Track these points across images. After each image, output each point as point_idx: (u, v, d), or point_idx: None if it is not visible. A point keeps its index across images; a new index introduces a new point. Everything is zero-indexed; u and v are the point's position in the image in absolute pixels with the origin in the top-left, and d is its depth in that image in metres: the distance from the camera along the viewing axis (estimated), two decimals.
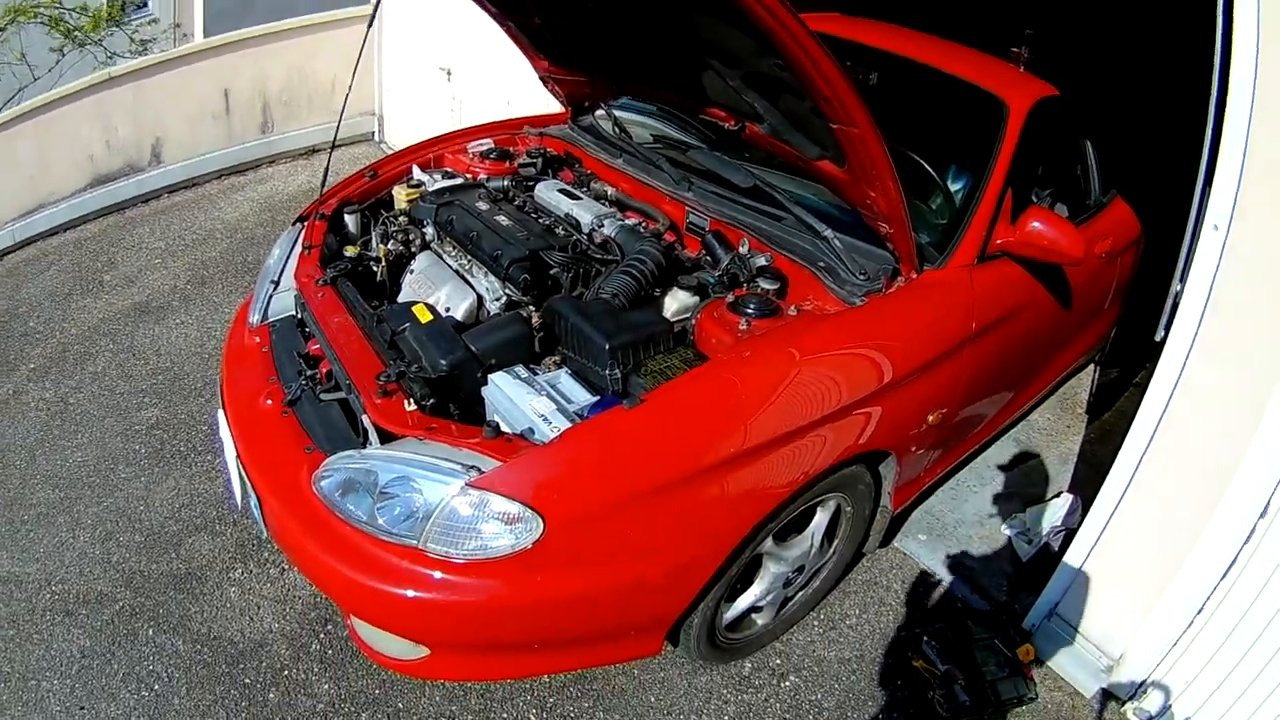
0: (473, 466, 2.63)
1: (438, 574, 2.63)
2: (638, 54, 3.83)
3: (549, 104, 5.20)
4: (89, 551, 3.95)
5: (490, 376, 3.08)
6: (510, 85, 6.97)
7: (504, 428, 2.86)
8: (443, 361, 3.01)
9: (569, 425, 2.80)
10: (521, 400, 2.94)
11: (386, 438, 2.96)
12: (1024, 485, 4.99)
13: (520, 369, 3.14)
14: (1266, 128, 2.66)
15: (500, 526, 2.59)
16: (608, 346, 3.04)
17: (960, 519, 4.67)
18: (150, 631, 3.60)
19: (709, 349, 3.23)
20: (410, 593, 2.63)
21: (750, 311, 3.20)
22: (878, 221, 3.26)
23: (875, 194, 3.08)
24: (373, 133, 8.77)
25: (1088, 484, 4.74)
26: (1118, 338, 5.76)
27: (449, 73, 7.64)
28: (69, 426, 4.73)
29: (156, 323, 5.64)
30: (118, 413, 4.83)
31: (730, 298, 3.33)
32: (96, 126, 6.88)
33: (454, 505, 2.60)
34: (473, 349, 3.11)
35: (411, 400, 2.89)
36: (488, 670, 3.08)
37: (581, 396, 3.03)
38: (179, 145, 7.44)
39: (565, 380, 3.13)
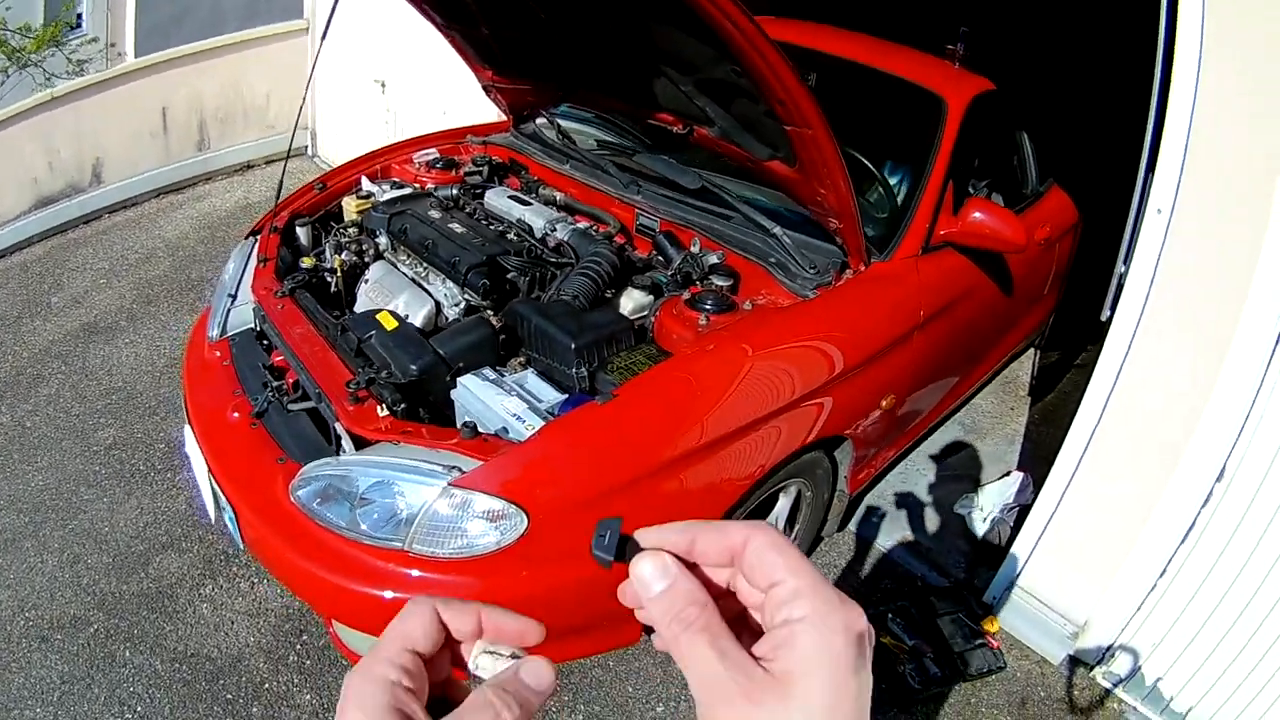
0: (454, 467, 2.68)
1: (424, 574, 2.67)
2: (586, 62, 3.88)
3: (486, 113, 5.22)
4: (59, 575, 3.92)
5: (459, 379, 3.13)
6: (446, 95, 6.99)
7: (479, 429, 2.90)
8: (413, 366, 3.05)
9: (543, 423, 2.86)
10: (493, 401, 2.99)
11: (360, 444, 2.98)
12: (972, 466, 5.10)
13: (488, 371, 3.19)
14: (1211, 115, 2.76)
15: (485, 524, 2.63)
16: (573, 346, 3.11)
17: (913, 501, 4.77)
18: (128, 653, 3.59)
19: (671, 344, 3.28)
20: (396, 594, 2.66)
21: (708, 307, 3.26)
22: (827, 217, 3.34)
23: (825, 191, 3.16)
24: (306, 146, 8.71)
25: (1035, 463, 4.87)
26: (1057, 321, 5.90)
27: (383, 85, 7.64)
28: (27, 450, 4.69)
29: (106, 343, 5.60)
30: (75, 434, 4.80)
31: (687, 295, 3.39)
32: (39, 148, 6.81)
33: (437, 506, 2.64)
34: (440, 353, 3.16)
35: (383, 406, 2.93)
36: None
37: (551, 395, 3.08)
38: (119, 164, 7.37)
39: (533, 380, 3.18)
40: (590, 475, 2.76)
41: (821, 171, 3.06)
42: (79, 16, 6.93)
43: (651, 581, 0.71)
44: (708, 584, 0.72)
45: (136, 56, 7.18)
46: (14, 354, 5.48)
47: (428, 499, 2.65)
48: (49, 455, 4.64)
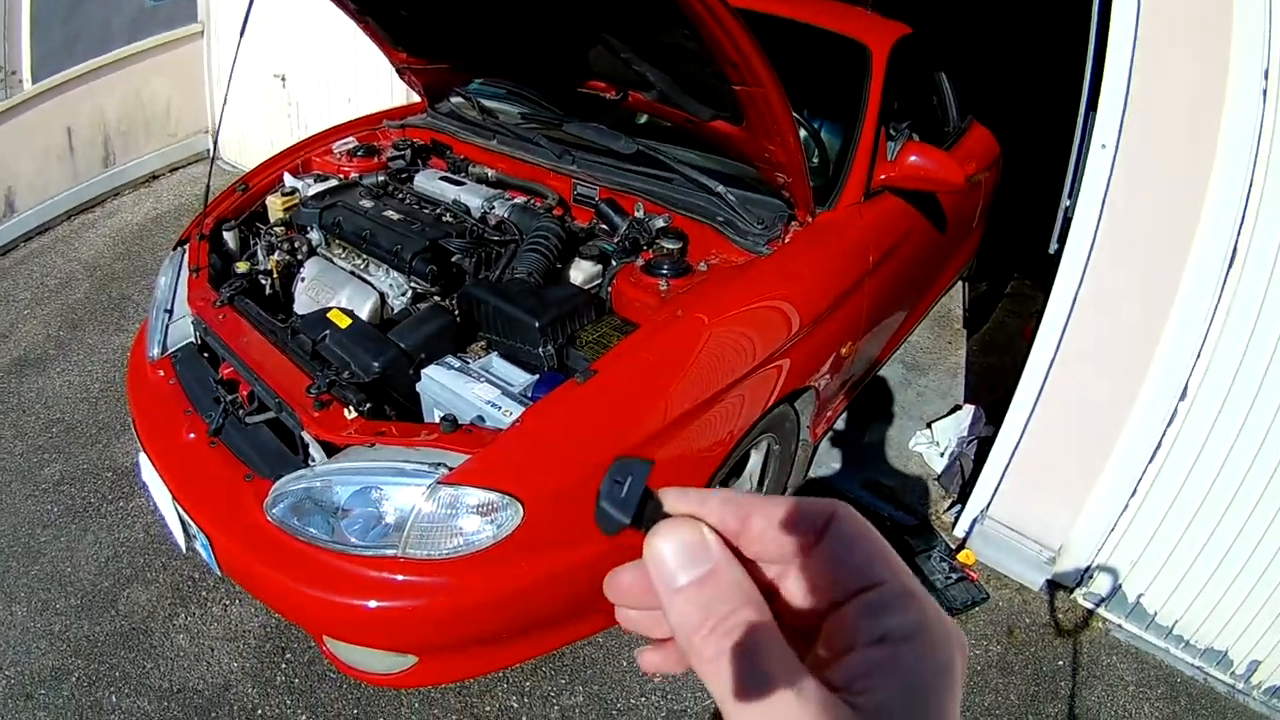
0: (439, 464, 2.60)
1: (423, 579, 2.59)
2: (512, 35, 3.77)
3: (393, 97, 5.14)
4: (30, 625, 3.77)
5: (424, 371, 3.03)
6: (349, 83, 6.90)
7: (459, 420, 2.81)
8: (375, 364, 2.95)
9: (520, 407, 2.78)
10: (463, 389, 2.89)
11: (330, 450, 2.89)
12: (920, 403, 5.17)
13: (451, 359, 3.09)
14: (1154, 50, 2.86)
15: (480, 519, 2.56)
16: (537, 325, 3.04)
17: (869, 443, 4.83)
18: (114, 698, 3.46)
19: (634, 313, 3.24)
20: (396, 603, 2.58)
21: (665, 272, 3.23)
22: (774, 172, 3.31)
23: (774, 147, 3.13)
24: (207, 150, 8.51)
25: (981, 393, 4.99)
26: (982, 253, 6.00)
27: (283, 79, 7.49)
28: None
29: (39, 374, 5.43)
30: (21, 475, 4.63)
31: (640, 261, 3.35)
32: None
33: (427, 506, 2.56)
34: (401, 346, 3.06)
35: (350, 408, 2.83)
36: (477, 666, 3.03)
37: (520, 378, 3.00)
38: (30, 191, 7.17)
39: (498, 364, 3.09)
40: (580, 456, 2.69)
41: (771, 128, 3.02)
42: None
43: (679, 566, 0.53)
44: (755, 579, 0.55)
45: (35, 81, 7.01)
46: None
47: (415, 501, 2.57)
48: (0, 500, 4.49)
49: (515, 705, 3.37)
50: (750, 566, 0.55)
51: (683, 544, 0.53)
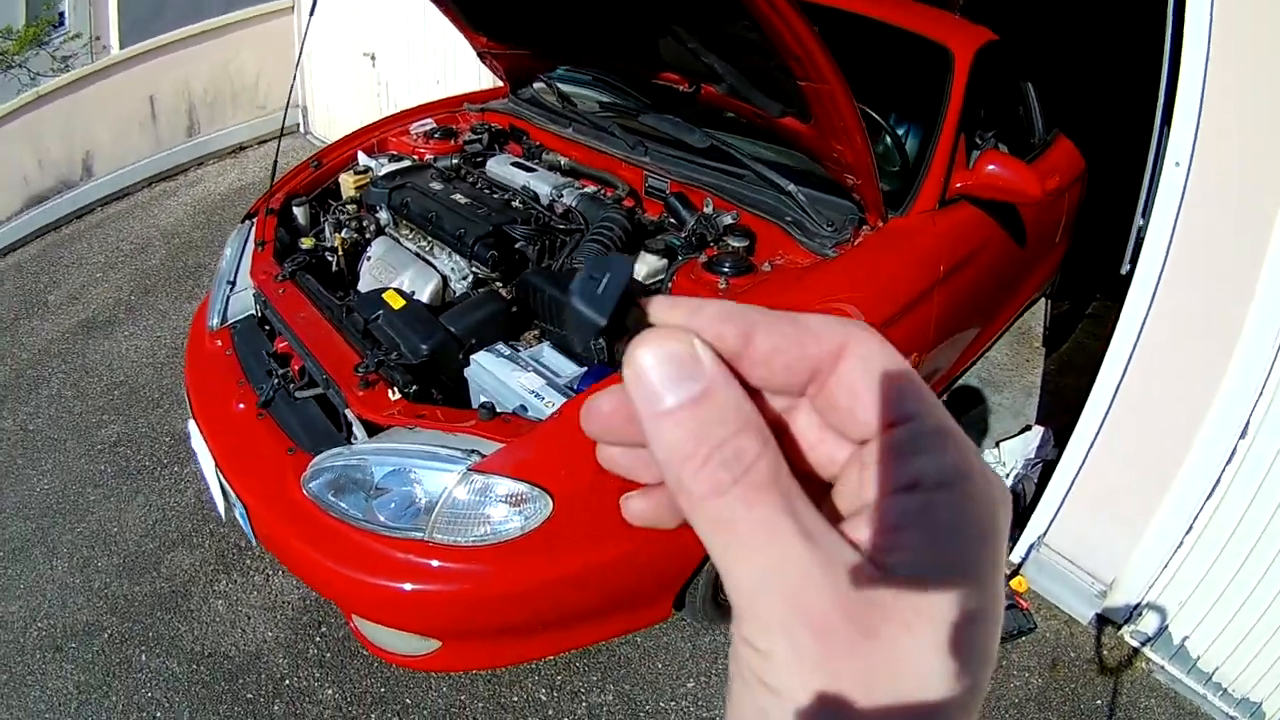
0: (473, 451, 2.58)
1: (447, 564, 2.58)
2: (588, 23, 3.75)
3: (480, 81, 5.13)
4: (69, 581, 3.82)
5: (472, 357, 3.01)
6: (438, 65, 6.91)
7: (497, 408, 2.79)
8: (423, 346, 2.93)
9: (563, 399, 2.75)
10: (509, 378, 2.87)
11: (372, 430, 2.89)
12: (992, 420, 5.05)
13: (501, 346, 3.07)
14: (1226, 67, 2.75)
15: (508, 509, 2.53)
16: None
17: None
18: (144, 657, 3.49)
19: None
20: (420, 586, 2.57)
21: (726, 270, 3.17)
22: (843, 173, 3.23)
23: (842, 146, 3.05)
24: (298, 124, 8.61)
25: (1053, 415, 4.86)
26: (1066, 271, 5.84)
27: (373, 58, 7.54)
28: (31, 454, 4.59)
29: (106, 337, 5.51)
30: (78, 434, 4.70)
31: (703, 258, 3.30)
32: (27, 147, 6.72)
33: (457, 493, 2.54)
34: (452, 330, 3.05)
35: (395, 389, 2.82)
36: (501, 656, 3.03)
37: (569, 369, 2.97)
38: (109, 157, 7.28)
39: (549, 353, 3.06)
40: None
41: (838, 127, 2.95)
42: (61, 14, 6.88)
43: (665, 383, 0.43)
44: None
45: (121, 49, 7.09)
46: (13, 356, 5.38)
47: (447, 485, 2.56)
48: (53, 457, 4.55)
49: (543, 698, 3.35)
50: (753, 397, 0.45)
51: (670, 356, 0.43)
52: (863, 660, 0.39)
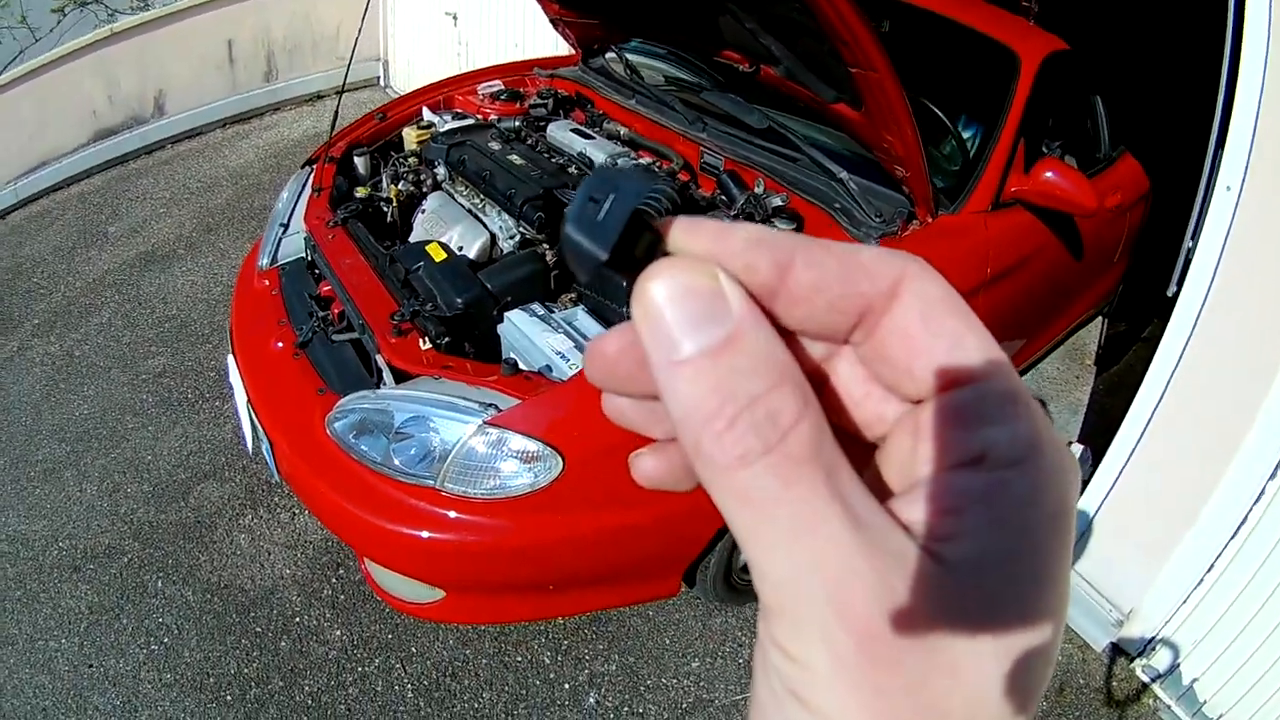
0: (490, 405, 2.60)
1: (455, 514, 2.61)
2: None
3: (558, 47, 5.14)
4: (96, 505, 3.88)
5: (506, 314, 3.03)
6: (518, 28, 6.93)
7: (521, 366, 2.82)
8: (458, 300, 2.96)
9: None
10: (538, 338, 2.88)
11: (401, 378, 2.92)
12: None
13: (536, 306, 3.08)
14: (1278, 92, 2.71)
15: (519, 465, 2.55)
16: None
17: None
18: (159, 583, 3.54)
19: None
20: (426, 533, 2.60)
21: None
22: (893, 165, 3.23)
23: (892, 137, 3.05)
24: (378, 78, 8.68)
25: (1097, 434, 4.73)
26: (1125, 291, 5.78)
27: (455, 17, 7.58)
28: (74, 380, 4.66)
29: (162, 271, 5.58)
30: (124, 363, 4.76)
31: None
32: (99, 82, 6.81)
33: (472, 444, 2.57)
34: (488, 287, 3.07)
35: (426, 339, 2.85)
36: (502, 612, 3.06)
37: (599, 332, 2.95)
38: (183, 96, 7.37)
39: (582, 317, 3.07)
40: None
41: (887, 117, 2.95)
42: None
43: (682, 326, 0.35)
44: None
45: None
46: (66, 284, 5.46)
47: (462, 436, 2.58)
48: (96, 384, 4.62)
49: (547, 660, 3.36)
50: (789, 342, 0.37)
51: (689, 291, 0.36)
52: (914, 676, 0.34)
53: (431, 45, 8.01)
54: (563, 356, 2.78)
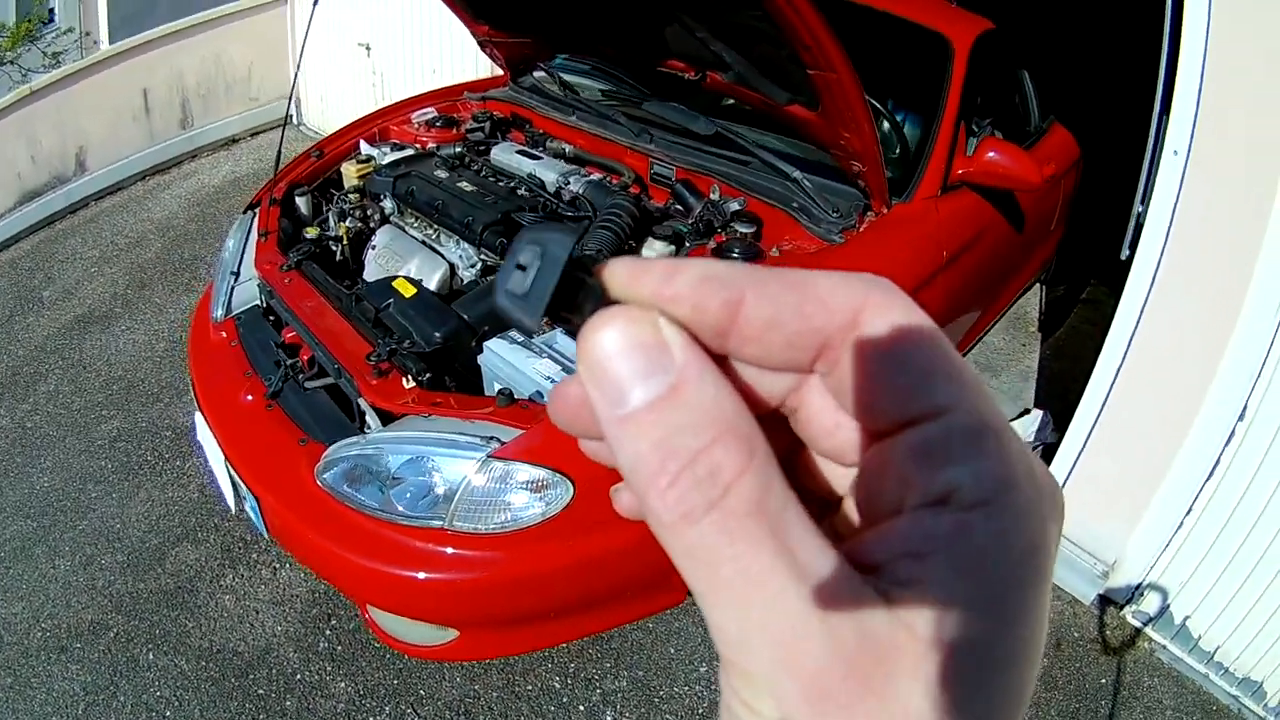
0: (491, 438, 2.57)
1: (468, 552, 2.58)
2: (594, 11, 3.75)
3: (477, 70, 5.13)
4: (72, 580, 3.78)
5: (485, 344, 2.98)
6: (434, 54, 6.90)
7: (515, 395, 2.78)
8: (436, 334, 2.92)
9: None
10: (523, 364, 2.84)
11: (386, 419, 2.88)
12: None
13: (514, 333, 3.04)
14: (1225, 59, 2.82)
15: (529, 495, 2.53)
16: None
17: None
18: (151, 655, 3.46)
19: None
20: (441, 575, 2.57)
21: (736, 255, 3.17)
22: (850, 161, 3.27)
23: (849, 135, 3.08)
24: (291, 115, 8.59)
25: (1051, 399, 4.93)
26: (1060, 256, 5.94)
27: (368, 48, 7.52)
28: (30, 451, 4.54)
29: (102, 332, 5.47)
30: (78, 430, 4.66)
31: (712, 244, 3.32)
32: (20, 143, 6.69)
33: (476, 480, 2.54)
34: (464, 318, 3.03)
35: (409, 377, 2.80)
36: (517, 644, 3.02)
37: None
38: (102, 151, 7.26)
39: (562, 340, 3.02)
40: None
41: (845, 115, 2.98)
42: (51, 11, 6.86)
43: (625, 378, 0.35)
44: (747, 398, 0.36)
45: (111, 43, 7.08)
46: (8, 353, 5.33)
47: (466, 473, 2.55)
48: (53, 454, 4.50)
49: (557, 685, 3.34)
50: (753, 374, 0.38)
51: (629, 343, 0.35)
52: None
53: (344, 78, 7.97)
54: (552, 380, 2.75)
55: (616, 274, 0.37)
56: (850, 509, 0.41)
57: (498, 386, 2.86)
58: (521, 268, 0.37)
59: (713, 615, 0.34)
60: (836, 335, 0.36)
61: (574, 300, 0.37)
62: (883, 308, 0.36)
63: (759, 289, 0.36)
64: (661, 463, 0.33)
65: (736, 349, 0.37)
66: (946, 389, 0.36)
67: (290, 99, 4.55)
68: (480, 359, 3.00)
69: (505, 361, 2.89)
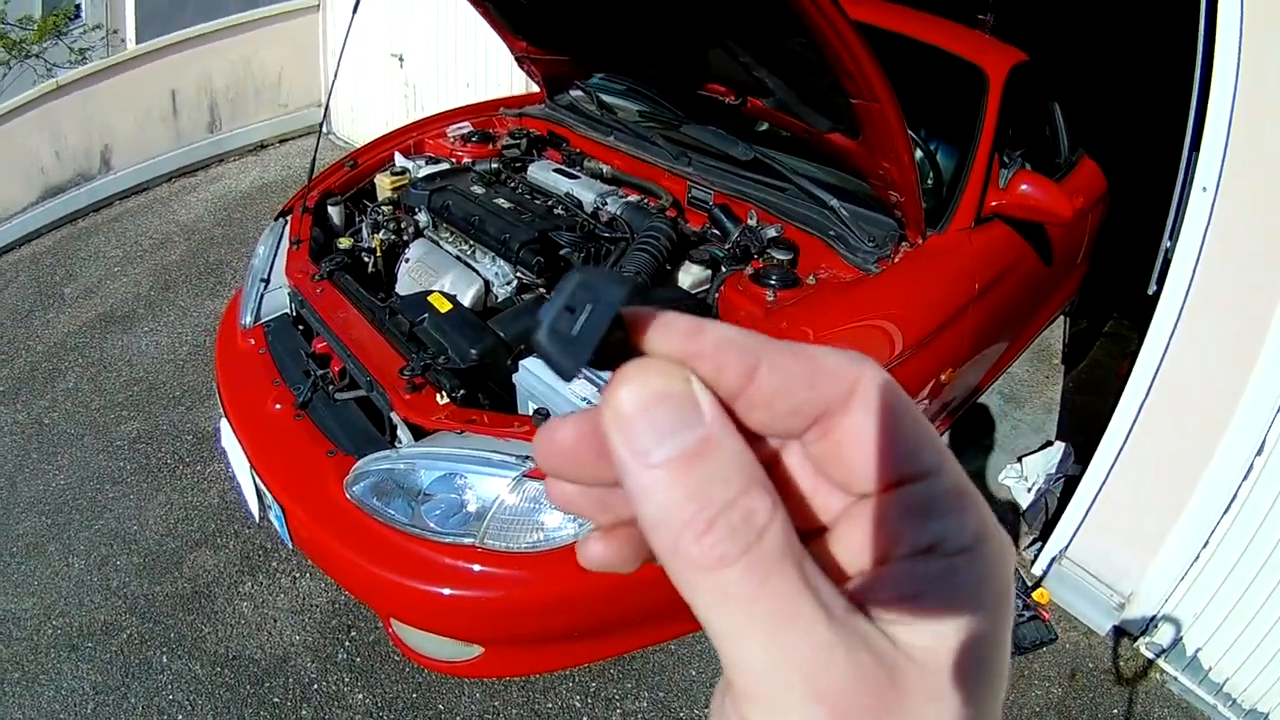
0: (526, 457, 2.56)
1: (499, 570, 2.58)
2: (633, 32, 3.74)
3: (513, 85, 5.12)
4: (86, 579, 3.77)
5: (521, 362, 2.97)
6: (468, 68, 6.89)
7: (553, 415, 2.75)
8: (472, 351, 2.91)
9: None
10: (560, 385, 2.83)
11: (418, 434, 2.87)
12: (1014, 436, 5.10)
13: None
14: (1254, 94, 2.82)
15: (562, 516, 2.53)
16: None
17: None
18: (164, 658, 3.45)
19: (738, 322, 3.13)
20: (470, 592, 2.57)
21: (774, 283, 3.16)
22: (888, 190, 3.25)
23: (889, 165, 3.07)
24: (320, 124, 8.59)
25: (1073, 431, 4.93)
26: (1084, 289, 5.91)
27: (401, 59, 7.51)
28: (47, 449, 4.54)
29: (124, 332, 5.47)
30: (96, 429, 4.65)
31: (749, 270, 3.30)
32: (45, 138, 6.68)
33: (510, 499, 2.54)
34: (500, 335, 3.02)
35: (443, 393, 2.79)
36: (541, 663, 3.02)
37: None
38: (128, 150, 7.26)
39: None
40: None
41: (886, 145, 2.97)
42: (78, 6, 6.87)
43: (655, 431, 0.37)
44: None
45: (137, 43, 7.10)
46: (28, 349, 5.33)
47: (499, 492, 2.55)
48: (70, 452, 4.50)
49: (578, 705, 3.33)
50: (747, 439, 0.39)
51: (661, 397, 0.37)
52: None
53: (376, 88, 7.95)
54: (588, 402, 2.73)
55: (646, 323, 0.39)
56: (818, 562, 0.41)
57: (533, 406, 2.85)
58: (571, 310, 0.37)
59: (738, 649, 0.36)
60: (835, 404, 0.40)
61: (603, 351, 0.38)
62: (874, 382, 0.40)
63: (773, 358, 0.39)
64: (697, 510, 0.36)
65: (746, 412, 0.40)
66: (932, 455, 0.40)
67: (325, 107, 4.54)
68: (515, 378, 2.98)
69: (541, 381, 2.88)
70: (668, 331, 0.39)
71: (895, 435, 0.40)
